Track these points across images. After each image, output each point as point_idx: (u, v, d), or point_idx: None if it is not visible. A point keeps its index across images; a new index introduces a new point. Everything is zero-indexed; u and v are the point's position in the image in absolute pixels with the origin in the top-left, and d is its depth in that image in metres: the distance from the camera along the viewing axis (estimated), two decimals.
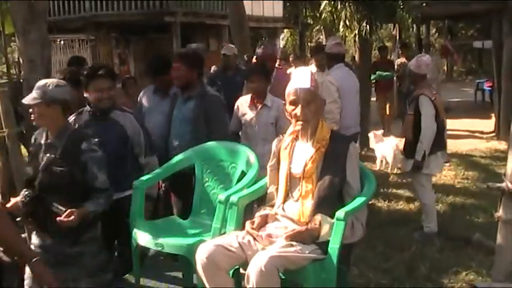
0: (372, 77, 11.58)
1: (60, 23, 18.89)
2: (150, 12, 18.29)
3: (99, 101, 4.01)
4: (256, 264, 2.87)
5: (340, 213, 3.06)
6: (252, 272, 2.88)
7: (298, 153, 3.37)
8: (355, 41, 10.65)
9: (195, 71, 4.67)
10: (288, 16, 23.89)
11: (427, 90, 5.61)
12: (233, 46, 7.90)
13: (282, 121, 4.87)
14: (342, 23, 10.40)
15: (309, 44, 26.62)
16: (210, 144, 4.26)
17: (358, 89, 6.53)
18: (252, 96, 5.19)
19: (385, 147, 8.64)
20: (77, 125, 3.97)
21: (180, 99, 4.76)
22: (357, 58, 10.91)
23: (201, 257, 3.09)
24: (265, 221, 3.36)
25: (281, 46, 29.87)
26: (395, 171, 8.64)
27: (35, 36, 7.59)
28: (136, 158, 4.13)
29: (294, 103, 3.27)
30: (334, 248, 3.04)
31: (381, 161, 8.88)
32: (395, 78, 12.34)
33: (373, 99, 12.19)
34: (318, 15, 13.86)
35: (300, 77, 3.32)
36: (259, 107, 5.12)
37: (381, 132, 9.58)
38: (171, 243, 3.64)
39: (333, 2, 10.19)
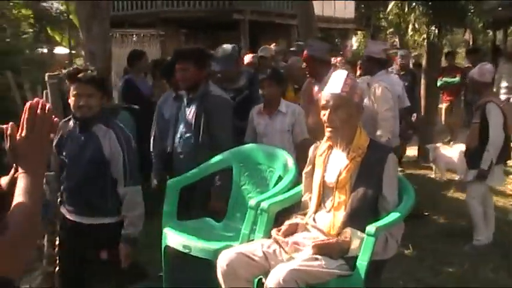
0: (438, 83, 11.16)
1: (131, 18, 19.31)
2: (219, 9, 18.38)
3: (75, 108, 3.49)
4: (275, 276, 2.73)
5: (371, 228, 2.87)
6: (270, 284, 2.74)
7: (333, 161, 3.19)
8: (423, 45, 10.28)
9: (204, 71, 4.36)
10: (360, 18, 23.49)
11: (494, 98, 5.42)
12: (271, 47, 7.73)
13: (299, 127, 4.75)
14: (410, 26, 10.07)
15: None
16: (249, 146, 4.15)
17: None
18: (264, 104, 4.89)
19: (452, 153, 8.26)
20: (61, 132, 3.56)
21: (184, 101, 4.45)
22: (424, 63, 10.53)
23: (221, 264, 2.97)
24: (294, 229, 3.21)
25: (353, 48, 29.53)
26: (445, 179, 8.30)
27: (97, 31, 7.73)
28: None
29: (324, 108, 3.11)
30: (362, 264, 2.85)
31: (436, 170, 8.54)
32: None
33: (441, 106, 11.80)
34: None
35: (333, 81, 3.14)
36: (274, 114, 4.81)
37: (447, 139, 9.26)
38: (198, 247, 3.54)
39: (400, 4, 9.87)
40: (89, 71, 3.55)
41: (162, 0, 18.95)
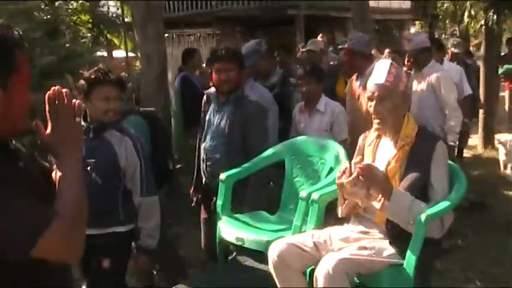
0: (499, 71, 10.84)
1: (187, 18, 19.58)
2: (273, 5, 18.41)
3: (104, 113, 3.30)
4: (324, 266, 2.75)
5: (422, 216, 2.85)
6: (319, 274, 2.76)
7: (382, 151, 3.18)
8: (480, 32, 10.02)
9: (244, 72, 4.22)
10: (417, 7, 23.00)
11: None
12: (319, 40, 7.56)
13: (338, 127, 4.66)
14: (466, 13, 9.84)
15: (443, 36, 25.53)
16: (300, 138, 4.18)
17: None
18: (304, 101, 4.85)
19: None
20: None
21: (215, 104, 4.23)
22: (482, 50, 10.27)
23: (272, 255, 3.02)
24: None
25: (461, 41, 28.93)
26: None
27: (152, 32, 7.92)
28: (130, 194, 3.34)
29: (370, 99, 3.11)
30: (413, 253, 2.84)
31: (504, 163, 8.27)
32: None
33: (503, 94, 11.47)
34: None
35: (378, 71, 3.13)
36: (312, 112, 4.77)
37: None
38: (251, 239, 3.60)
39: None
40: (111, 73, 3.39)
41: (217, 0, 19.13)
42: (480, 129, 9.99)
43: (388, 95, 3.05)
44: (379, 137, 3.23)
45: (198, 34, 19.62)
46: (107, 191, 3.26)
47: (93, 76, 3.31)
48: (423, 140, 3.09)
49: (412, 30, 33.09)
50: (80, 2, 9.51)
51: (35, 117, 2.78)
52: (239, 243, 3.67)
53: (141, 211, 3.31)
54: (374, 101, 3.07)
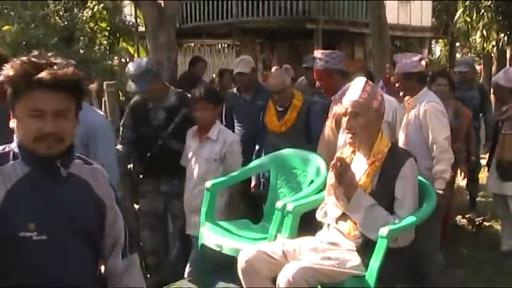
0: None
1: (208, 29, 19.81)
2: (293, 18, 18.56)
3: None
4: (286, 274, 2.86)
5: (384, 230, 2.96)
6: (281, 281, 2.88)
7: (355, 166, 3.29)
8: (492, 53, 10.08)
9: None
10: (439, 25, 23.03)
11: None
12: (250, 60, 6.05)
13: (232, 158, 4.34)
14: (478, 33, 9.91)
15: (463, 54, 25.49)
16: (286, 151, 4.30)
17: None
18: (197, 127, 4.47)
19: None
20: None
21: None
22: (493, 71, 10.31)
23: (241, 261, 3.14)
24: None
25: (435, 57, 28.90)
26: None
27: (163, 40, 8.07)
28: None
29: (344, 114, 3.24)
30: (375, 265, 2.94)
31: None
32: None
33: None
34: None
35: (353, 88, 3.27)
36: (202, 139, 4.37)
37: None
38: (229, 246, 3.73)
39: (468, 12, 9.73)
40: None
41: (238, 11, 19.35)
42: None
43: (361, 111, 3.17)
44: (354, 152, 3.35)
45: (219, 44, 19.87)
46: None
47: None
48: (394, 156, 3.21)
49: (437, 48, 33.10)
50: (98, 9, 9.73)
51: None
52: (218, 249, 3.80)
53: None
54: (347, 117, 3.20)
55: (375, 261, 2.95)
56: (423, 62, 4.46)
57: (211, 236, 3.88)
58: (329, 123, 4.24)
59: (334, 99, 4.36)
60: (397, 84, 4.51)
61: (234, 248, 3.66)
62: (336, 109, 4.24)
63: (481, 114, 6.99)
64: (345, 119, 3.24)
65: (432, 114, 4.18)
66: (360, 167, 3.25)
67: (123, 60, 10.93)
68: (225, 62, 18.39)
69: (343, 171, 3.09)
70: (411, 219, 3.08)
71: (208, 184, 4.05)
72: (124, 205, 2.23)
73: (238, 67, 5.60)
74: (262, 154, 4.84)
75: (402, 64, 4.46)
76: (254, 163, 4.28)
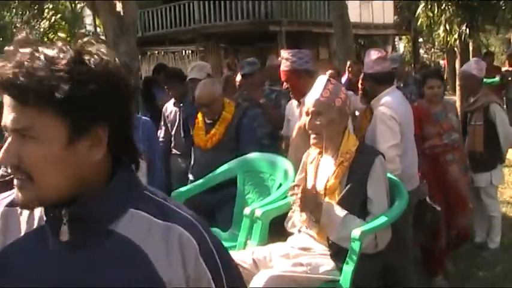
0: None
1: (171, 35, 19.68)
2: (255, 21, 18.54)
3: None
4: (256, 283, 2.73)
5: (356, 232, 2.85)
6: None
7: (323, 167, 3.19)
8: (455, 47, 10.11)
9: None
10: (400, 22, 23.21)
11: (494, 97, 5.26)
12: (206, 66, 5.89)
13: None
14: (442, 28, 9.93)
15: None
16: (252, 155, 4.17)
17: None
18: None
19: None
20: None
21: None
22: (457, 65, 10.34)
23: None
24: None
25: (398, 55, 29.04)
26: None
27: (124, 49, 7.93)
28: None
29: (306, 114, 3.16)
30: (349, 269, 2.83)
31: None
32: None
33: None
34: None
35: (315, 87, 3.17)
36: None
37: None
38: None
39: (429, 6, 9.74)
40: None
41: (201, 17, 19.23)
42: None
43: (323, 110, 3.07)
44: (320, 153, 3.24)
45: (183, 51, 19.74)
46: None
47: None
48: (362, 155, 3.10)
49: (401, 45, 33.35)
50: (56, 20, 9.51)
51: None
52: None
53: None
54: (310, 116, 3.09)
55: (349, 266, 2.84)
56: (382, 61, 4.07)
57: None
58: (298, 127, 4.07)
59: (302, 102, 4.14)
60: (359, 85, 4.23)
61: None
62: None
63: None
64: (307, 119, 3.14)
65: (379, 120, 3.82)
66: (328, 168, 3.14)
67: None
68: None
69: (304, 199, 2.96)
70: (383, 219, 2.97)
71: (174, 194, 3.91)
72: None
73: (192, 73, 5.47)
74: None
75: (365, 63, 4.20)
76: (220, 169, 4.13)
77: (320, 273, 2.87)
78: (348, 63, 8.33)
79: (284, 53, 4.29)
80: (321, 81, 3.16)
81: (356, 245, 2.84)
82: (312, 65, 4.25)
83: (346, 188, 3.04)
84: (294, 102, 4.47)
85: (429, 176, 4.43)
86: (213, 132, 4.41)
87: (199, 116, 4.59)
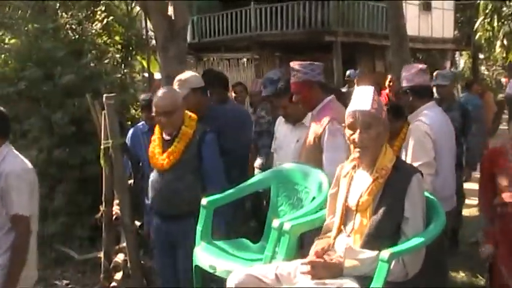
0: None
1: (227, 42, 19.75)
2: (311, 31, 18.41)
3: None
4: None
5: (385, 253, 2.68)
6: None
7: (357, 182, 3.04)
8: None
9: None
10: (460, 37, 22.63)
11: None
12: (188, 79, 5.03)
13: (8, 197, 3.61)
14: (499, 43, 9.59)
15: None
16: (288, 165, 4.05)
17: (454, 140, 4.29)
18: None
19: None
20: None
21: None
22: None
23: (229, 285, 2.89)
24: (321, 255, 3.02)
25: (459, 69, 28.39)
26: None
27: (173, 53, 7.92)
28: None
29: (352, 127, 2.95)
30: None
31: None
32: None
33: None
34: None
35: (360, 97, 2.98)
36: None
37: None
38: (223, 267, 3.47)
39: (489, 19, 9.42)
40: None
41: (257, 24, 19.25)
42: None
43: (373, 123, 2.92)
44: (354, 167, 3.09)
45: (237, 58, 19.79)
46: None
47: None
48: (399, 172, 2.94)
49: (461, 61, 32.54)
50: (108, 22, 9.62)
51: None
52: (212, 271, 3.55)
53: None
54: (358, 129, 2.92)
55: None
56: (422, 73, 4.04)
57: (206, 256, 3.64)
58: (309, 143, 4.00)
59: (312, 116, 4.12)
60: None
61: (228, 270, 3.39)
62: (315, 128, 4.03)
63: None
64: (351, 132, 2.97)
65: (412, 135, 3.82)
66: (362, 183, 2.99)
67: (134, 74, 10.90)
68: (244, 76, 18.29)
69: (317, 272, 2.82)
70: (417, 240, 2.80)
71: (204, 201, 3.82)
72: None
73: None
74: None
75: (404, 77, 4.09)
76: (253, 179, 4.02)
77: None
78: (389, 77, 8.10)
79: (294, 65, 4.15)
80: (367, 92, 2.98)
81: (383, 267, 2.67)
82: (323, 77, 4.15)
83: (380, 205, 2.89)
84: (281, 119, 4.51)
85: (501, 242, 3.89)
86: (171, 150, 4.03)
87: (156, 131, 4.20)
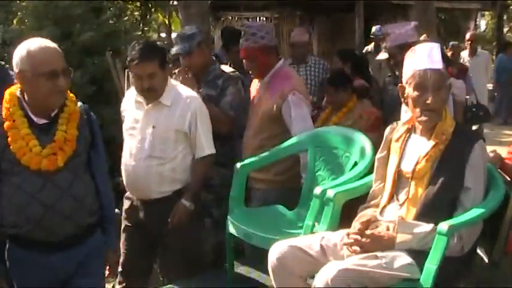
0: None
1: (247, 1, 19.29)
2: None
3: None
4: (323, 277, 2.40)
5: (443, 226, 2.45)
6: (317, 284, 2.41)
7: (412, 147, 2.77)
8: None
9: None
10: None
11: None
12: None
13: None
14: None
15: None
16: (326, 128, 3.81)
17: None
18: None
19: None
20: None
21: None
22: None
23: (272, 258, 2.69)
24: (366, 227, 2.80)
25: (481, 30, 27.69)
26: None
27: (195, 11, 7.68)
28: None
29: (421, 87, 2.65)
30: (431, 267, 2.44)
31: None
32: None
33: None
34: None
35: (429, 54, 2.67)
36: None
37: None
38: (260, 236, 3.27)
39: None
40: None
41: None
42: None
43: (442, 83, 2.67)
44: (408, 131, 2.83)
45: (257, 17, 19.39)
46: None
47: None
48: (460, 138, 2.69)
49: (482, 22, 31.71)
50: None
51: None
52: (246, 240, 3.36)
53: None
54: (430, 91, 2.64)
55: (432, 263, 2.45)
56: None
57: (240, 224, 3.42)
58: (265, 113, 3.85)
59: (263, 83, 3.95)
60: (391, 61, 3.99)
61: (265, 239, 3.19)
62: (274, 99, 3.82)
63: None
64: (419, 92, 2.65)
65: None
66: (418, 148, 2.73)
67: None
68: None
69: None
70: (478, 211, 2.56)
71: (238, 165, 3.60)
72: None
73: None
74: None
75: (395, 35, 3.89)
76: (289, 141, 3.76)
77: (396, 268, 2.49)
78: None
79: (247, 27, 3.91)
80: (435, 49, 2.68)
81: (442, 240, 2.44)
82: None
83: (438, 173, 2.64)
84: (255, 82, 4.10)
85: None
86: (60, 138, 2.55)
87: (17, 113, 2.54)
